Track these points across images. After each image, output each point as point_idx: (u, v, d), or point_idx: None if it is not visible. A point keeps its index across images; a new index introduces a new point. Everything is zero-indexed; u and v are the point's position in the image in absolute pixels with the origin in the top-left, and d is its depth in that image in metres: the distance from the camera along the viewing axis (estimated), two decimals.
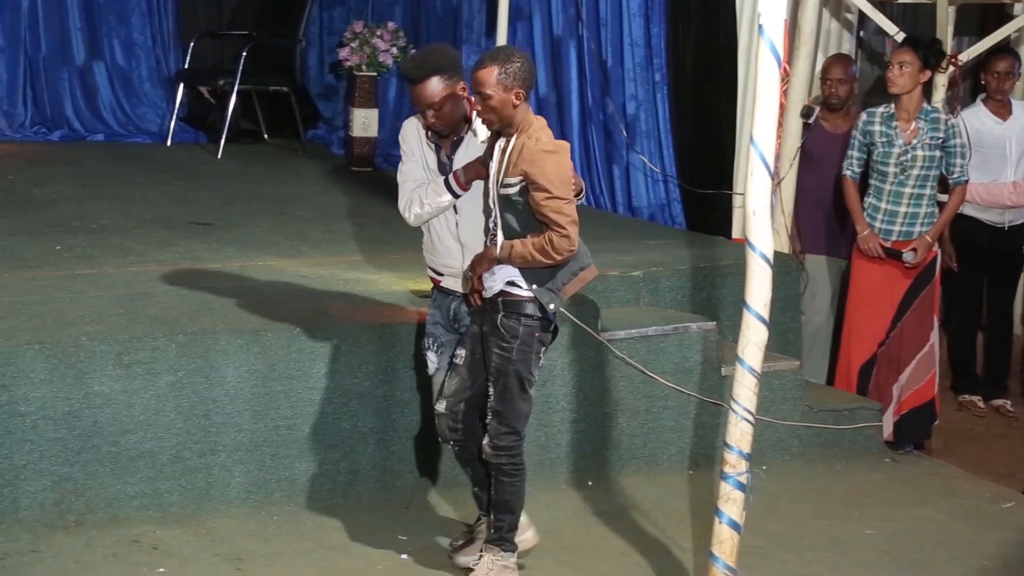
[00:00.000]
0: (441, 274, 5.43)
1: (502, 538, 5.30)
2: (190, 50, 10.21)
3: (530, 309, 5.11)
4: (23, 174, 8.89)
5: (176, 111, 10.08)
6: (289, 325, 6.05)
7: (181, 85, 10.11)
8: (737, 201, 7.98)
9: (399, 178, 5.40)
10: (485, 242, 5.17)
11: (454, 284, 5.36)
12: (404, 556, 5.64)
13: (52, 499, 5.56)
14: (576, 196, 5.15)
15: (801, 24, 7.84)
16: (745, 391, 5.03)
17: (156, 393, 5.75)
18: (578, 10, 8.77)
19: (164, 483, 5.77)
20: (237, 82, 9.77)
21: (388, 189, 9.07)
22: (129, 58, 10.26)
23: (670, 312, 7.11)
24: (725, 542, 5.13)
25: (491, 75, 4.96)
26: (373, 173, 9.66)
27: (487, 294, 5.12)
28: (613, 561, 5.75)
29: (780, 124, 7.13)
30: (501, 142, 5.07)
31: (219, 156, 9.70)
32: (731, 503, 5.10)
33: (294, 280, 6.75)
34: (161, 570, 5.31)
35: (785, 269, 7.42)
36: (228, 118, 9.78)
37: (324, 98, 10.68)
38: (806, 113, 7.96)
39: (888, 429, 7.40)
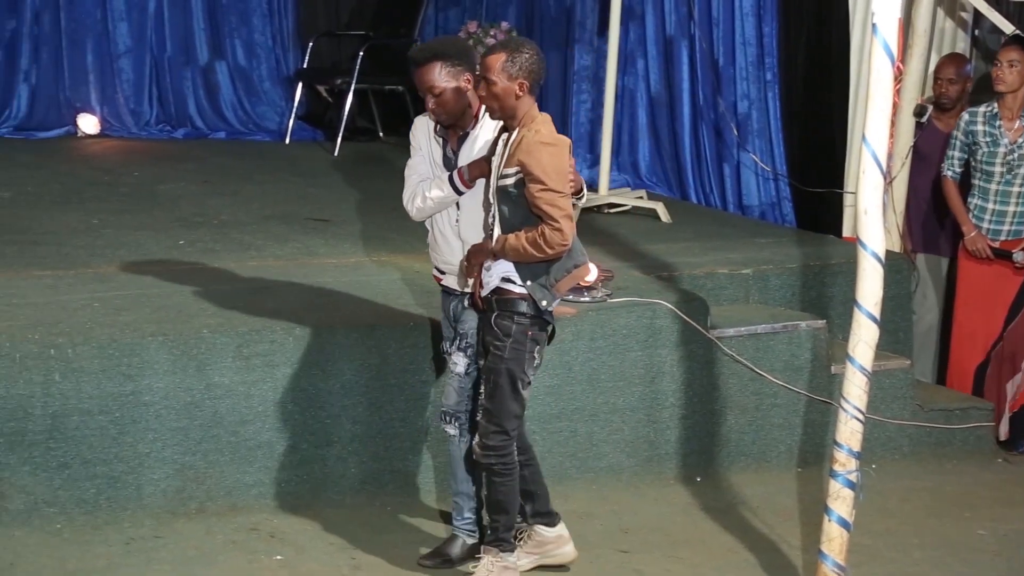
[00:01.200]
0: (443, 272, 5.32)
1: (499, 539, 5.15)
2: (309, 50, 10.30)
3: (523, 307, 4.98)
4: (148, 171, 9.03)
5: (295, 109, 10.18)
6: (402, 320, 6.08)
7: (300, 84, 10.21)
8: (848, 200, 7.89)
9: (406, 172, 5.33)
10: (486, 239, 5.07)
11: (455, 283, 5.25)
12: None
13: (175, 487, 5.64)
14: (576, 195, 5.05)
15: (915, 23, 7.72)
16: (855, 389, 4.97)
17: (274, 385, 5.81)
18: (690, 10, 8.72)
19: (281, 472, 5.83)
20: (354, 81, 9.84)
21: None
22: (250, 58, 10.38)
23: (779, 310, 7.05)
24: (834, 540, 5.07)
25: (497, 61, 4.87)
26: None
27: (484, 291, 5.01)
28: (721, 557, 5.71)
29: (893, 123, 7.02)
30: (504, 136, 4.98)
31: (335, 153, 9.78)
32: (840, 501, 5.04)
33: (407, 275, 6.79)
34: (278, 557, 5.37)
35: (896, 268, 7.32)
36: (345, 116, 9.85)
37: None
38: (919, 112, 7.84)
39: (1004, 429, 7.27)
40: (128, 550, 5.32)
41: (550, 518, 5.38)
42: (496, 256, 4.97)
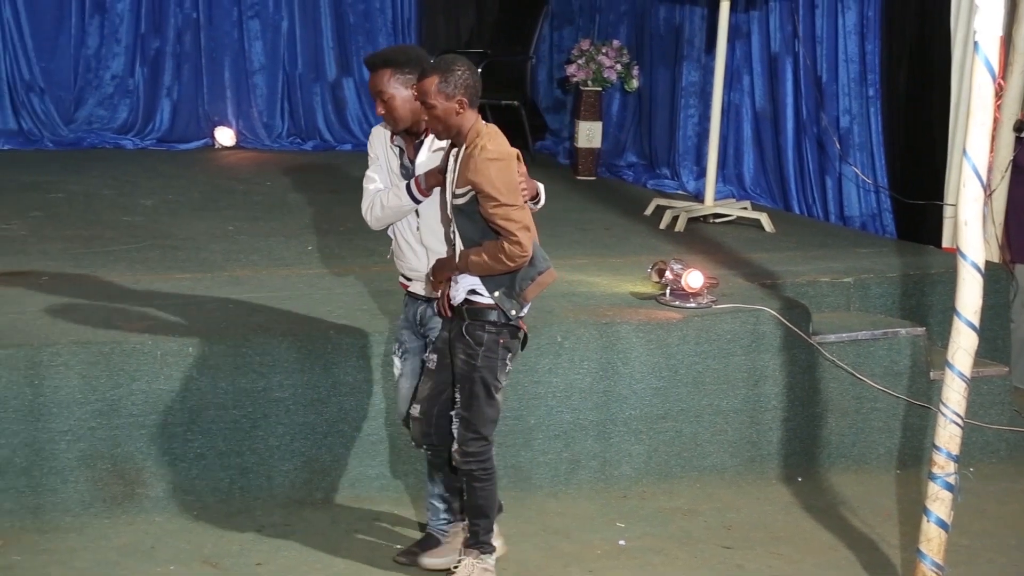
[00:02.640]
0: (409, 279, 5.17)
1: (480, 542, 5.02)
2: None
3: (494, 316, 4.83)
4: (280, 180, 9.14)
5: None
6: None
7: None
8: (948, 212, 7.77)
9: (364, 182, 5.16)
10: (449, 250, 4.95)
11: (421, 288, 5.11)
12: (622, 542, 5.63)
13: (302, 478, 5.70)
14: (532, 200, 4.92)
15: (1015, 40, 7.58)
16: (954, 395, 4.90)
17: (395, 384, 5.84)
18: (795, 28, 8.64)
19: (401, 466, 5.86)
20: None
21: (611, 197, 9.11)
22: None
23: (880, 317, 6.96)
24: (933, 540, 5.00)
25: (432, 84, 4.72)
26: (596, 182, 9.67)
27: (453, 303, 4.88)
28: (821, 554, 5.65)
29: (993, 138, 6.90)
30: (454, 152, 4.84)
31: None
32: (939, 502, 4.97)
33: None
34: (399, 546, 5.39)
35: (995, 278, 7.19)
36: None
37: (552, 111, 10.73)
38: (1018, 127, 7.69)
39: None
40: (259, 537, 5.39)
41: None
42: (460, 271, 4.84)
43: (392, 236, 5.16)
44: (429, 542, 5.27)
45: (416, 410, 5.06)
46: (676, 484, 6.18)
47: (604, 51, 9.58)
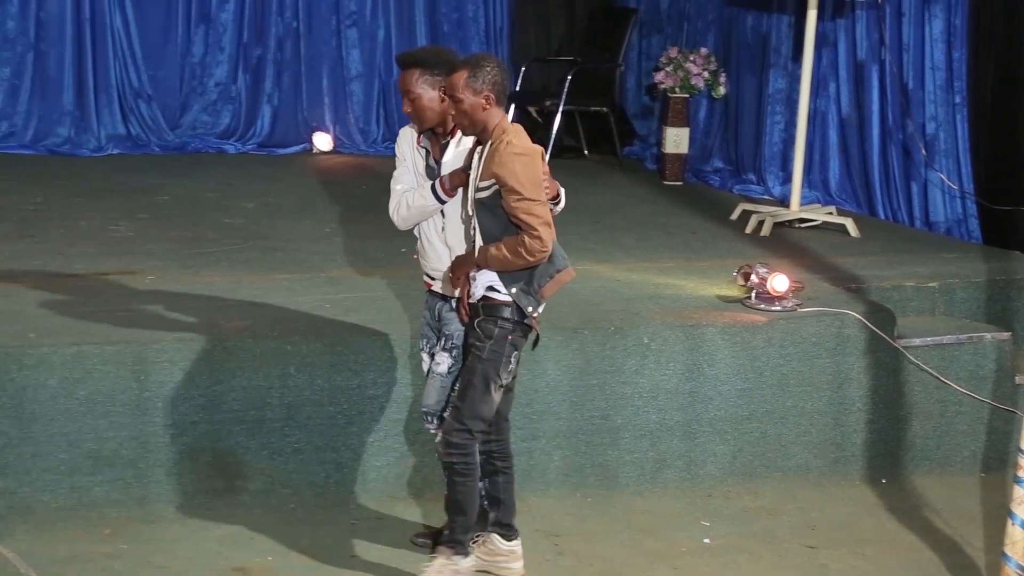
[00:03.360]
0: (433, 278, 5.10)
1: (455, 540, 4.89)
2: (521, 74, 10.38)
3: (507, 312, 4.73)
4: (374, 184, 9.17)
5: None
6: (604, 324, 6.08)
7: (512, 106, 10.28)
8: None
9: (391, 183, 5.12)
10: (468, 248, 4.88)
11: (444, 287, 5.02)
12: (707, 540, 5.59)
13: (395, 473, 5.73)
14: (552, 200, 4.84)
15: None
16: None
17: None
18: (882, 36, 8.53)
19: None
20: (562, 103, 9.88)
21: (697, 202, 9.05)
22: None
23: (965, 322, 6.84)
24: (1018, 543, 4.90)
25: (461, 78, 4.67)
26: (683, 187, 9.62)
27: (471, 300, 4.80)
28: (905, 555, 5.57)
29: None
30: (479, 149, 4.78)
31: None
32: None
33: (609, 283, 6.78)
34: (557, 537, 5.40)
35: None
36: (553, 135, 9.89)
37: (640, 118, 10.69)
38: None
39: None
40: (354, 529, 5.42)
41: (509, 531, 5.08)
42: (479, 267, 4.77)
43: (417, 235, 5.12)
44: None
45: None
46: (760, 484, 6.13)
47: (692, 59, 9.53)
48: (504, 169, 4.61)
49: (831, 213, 8.44)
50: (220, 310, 5.96)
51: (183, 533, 5.29)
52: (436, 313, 5.07)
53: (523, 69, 10.37)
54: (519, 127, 4.76)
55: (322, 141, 10.21)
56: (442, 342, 5.04)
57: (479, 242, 4.76)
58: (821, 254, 7.61)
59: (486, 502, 5.08)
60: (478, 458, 4.86)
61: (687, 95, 9.65)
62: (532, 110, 10.43)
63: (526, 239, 4.62)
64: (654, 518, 5.79)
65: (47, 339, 5.41)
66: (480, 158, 4.73)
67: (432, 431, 5.10)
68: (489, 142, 4.70)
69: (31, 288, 6.13)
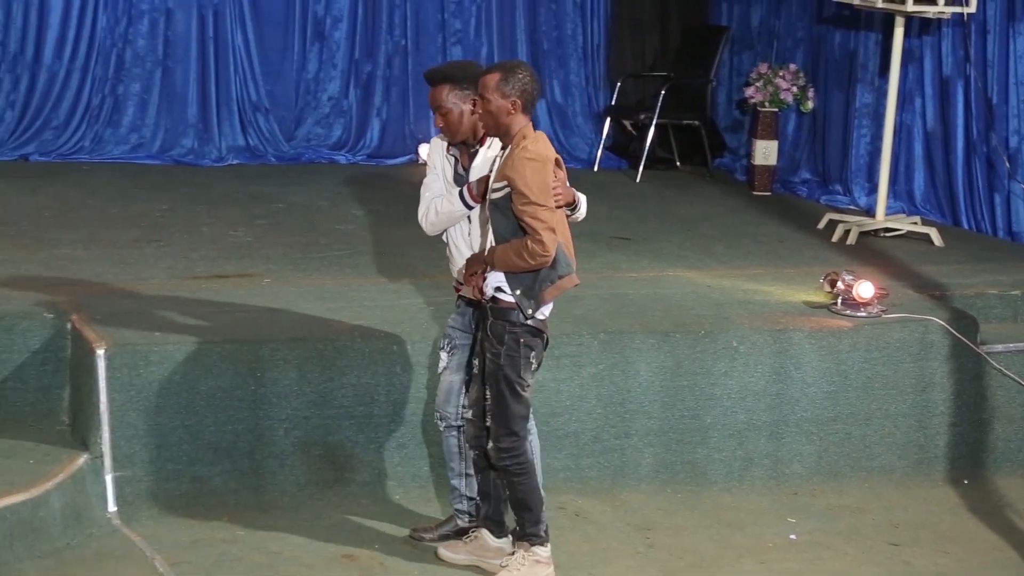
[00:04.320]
0: (461, 283, 5.00)
1: (527, 534, 4.85)
2: (617, 89, 10.35)
3: (514, 316, 4.70)
4: None
5: (603, 141, 10.24)
6: (695, 328, 6.04)
7: (608, 119, 10.27)
8: None
9: (421, 189, 5.08)
10: (482, 246, 4.85)
11: (471, 292, 4.89)
12: (792, 537, 5.54)
13: None
14: (568, 207, 4.77)
15: None
16: None
17: (580, 383, 5.85)
18: (967, 53, 8.39)
19: (585, 460, 5.86)
20: (656, 116, 9.84)
21: (785, 212, 8.96)
22: (566, 96, 10.49)
23: None
24: None
25: (493, 80, 4.63)
26: (771, 197, 9.53)
27: (484, 298, 4.75)
28: (987, 554, 5.47)
29: None
30: (501, 153, 4.73)
31: (638, 180, 9.79)
32: None
33: (699, 289, 6.74)
34: (585, 531, 5.39)
35: None
36: (647, 148, 9.86)
37: (730, 131, 10.61)
38: None
39: None
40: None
41: (500, 528, 5.03)
42: (489, 266, 4.72)
43: (445, 241, 5.09)
44: (450, 522, 5.19)
45: (469, 413, 4.95)
46: (845, 483, 6.05)
47: (781, 74, 9.45)
48: (515, 172, 4.58)
49: (916, 223, 8.32)
50: (331, 311, 6.02)
51: (295, 521, 5.34)
52: (468, 321, 5.00)
53: (619, 84, 10.34)
54: (541, 134, 4.74)
55: (427, 152, 10.24)
56: (448, 342, 4.98)
57: (491, 241, 4.74)
58: (906, 262, 7.50)
59: (478, 496, 5.04)
60: (531, 456, 4.84)
61: (776, 109, 9.57)
62: (627, 123, 10.40)
63: (529, 242, 4.59)
64: (741, 514, 5.74)
65: (172, 337, 5.50)
66: (500, 160, 4.72)
67: (441, 428, 5.08)
68: (509, 147, 4.68)
69: (157, 289, 6.23)
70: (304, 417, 5.53)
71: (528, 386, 4.79)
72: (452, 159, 5.01)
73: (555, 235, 4.62)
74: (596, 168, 10.18)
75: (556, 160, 4.74)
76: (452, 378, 5.04)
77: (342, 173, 9.62)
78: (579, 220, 4.93)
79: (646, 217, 8.66)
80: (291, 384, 5.51)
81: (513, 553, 4.92)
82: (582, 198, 4.92)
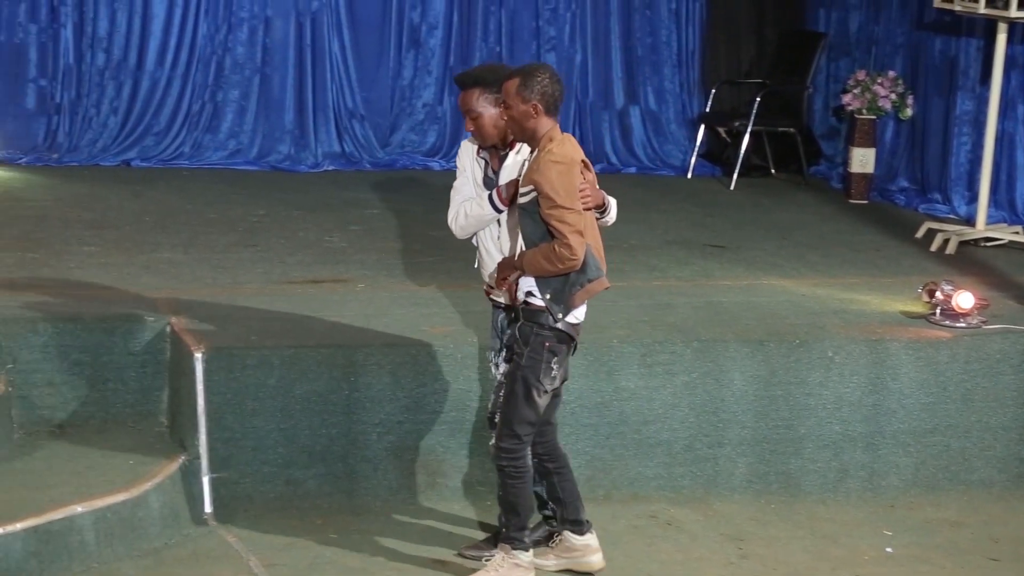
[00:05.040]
0: (492, 287, 4.97)
1: (510, 537, 4.81)
2: (711, 96, 10.29)
3: (543, 319, 4.65)
4: None
5: (697, 148, 10.18)
6: (789, 337, 5.98)
7: (702, 126, 10.21)
8: None
9: (452, 193, 5.02)
10: (512, 251, 4.78)
11: (501, 297, 4.89)
12: (889, 550, 5.46)
13: (585, 475, 5.71)
14: (598, 209, 4.70)
15: None
16: None
17: (673, 391, 5.82)
18: None
19: (677, 468, 5.82)
20: (751, 123, 9.76)
21: (882, 220, 8.84)
22: (660, 103, 10.45)
23: None
24: None
25: (513, 86, 4.58)
26: (868, 205, 9.40)
27: (516, 302, 4.71)
28: None
29: None
30: (529, 157, 4.67)
31: (732, 187, 9.72)
32: None
33: (794, 298, 6.67)
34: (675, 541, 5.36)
35: None
36: (741, 155, 9.78)
37: (826, 138, 10.49)
38: None
39: None
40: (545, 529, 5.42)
41: (579, 526, 4.98)
42: (520, 270, 4.68)
43: (476, 245, 5.06)
44: (537, 532, 5.13)
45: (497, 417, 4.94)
46: (943, 496, 5.95)
47: (879, 81, 9.33)
48: (541, 176, 4.55)
49: (1017, 232, 8.16)
50: (424, 317, 6.05)
51: (387, 526, 5.38)
52: (498, 324, 4.99)
53: (713, 91, 10.28)
54: (568, 137, 4.70)
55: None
56: (504, 353, 4.96)
57: (521, 246, 4.71)
58: (1007, 272, 7.36)
59: (550, 503, 5.01)
60: (530, 461, 4.80)
61: (874, 116, 9.45)
62: (721, 130, 10.33)
63: (556, 246, 4.56)
64: (836, 526, 5.67)
65: (268, 341, 5.57)
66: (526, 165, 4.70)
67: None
68: (536, 150, 4.65)
69: (254, 294, 6.31)
70: (397, 422, 5.57)
71: (545, 392, 4.73)
72: (482, 162, 5.00)
73: (583, 238, 4.59)
74: (690, 175, 10.13)
75: (584, 162, 4.70)
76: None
77: (436, 179, 9.66)
78: (609, 224, 4.90)
79: (740, 225, 8.59)
80: (384, 389, 5.55)
81: (494, 553, 4.90)
82: (612, 201, 4.88)
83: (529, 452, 4.80)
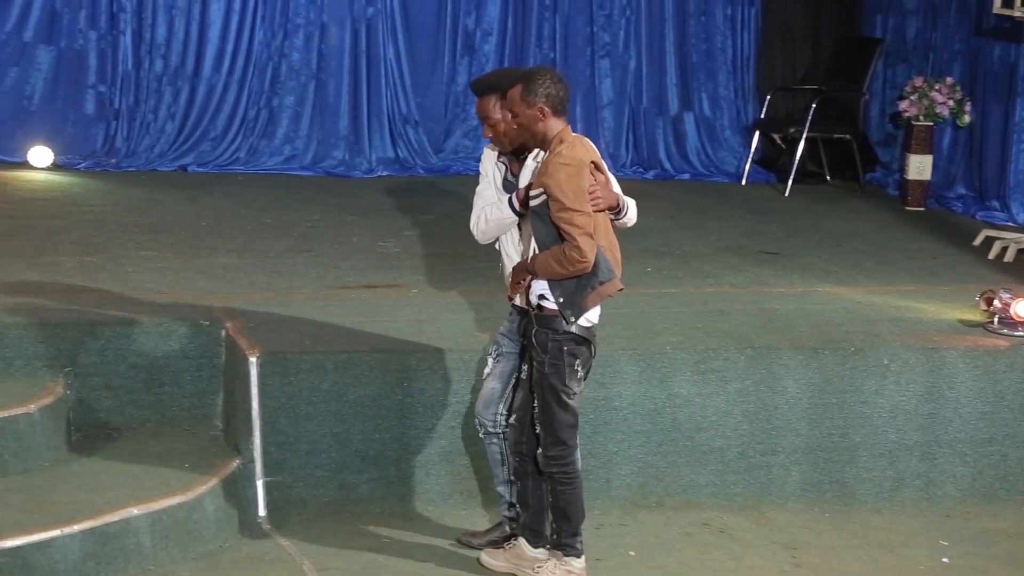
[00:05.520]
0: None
1: (562, 544, 4.79)
2: (766, 102, 10.25)
3: (558, 323, 4.61)
4: None
5: (751, 155, 10.15)
6: (844, 345, 5.94)
7: (757, 132, 10.17)
8: None
9: (474, 198, 4.99)
10: (525, 254, 4.75)
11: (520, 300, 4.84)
12: (945, 560, 5.40)
13: (638, 482, 5.71)
14: (612, 211, 4.63)
15: None
16: None
17: (726, 398, 5.79)
18: None
19: (731, 476, 5.80)
20: (806, 130, 9.72)
21: (939, 227, 8.76)
22: (714, 109, 10.42)
23: None
24: None
25: (516, 93, 4.57)
26: (925, 212, 9.32)
27: (531, 307, 4.67)
28: None
29: None
30: (542, 159, 4.63)
31: (786, 194, 9.67)
32: None
33: (849, 305, 6.62)
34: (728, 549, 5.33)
35: None
36: (796, 161, 9.74)
37: (883, 145, 10.41)
38: None
39: None
40: (598, 534, 5.42)
41: (537, 538, 4.93)
42: (532, 274, 4.65)
43: (498, 249, 5.04)
44: (494, 533, 5.15)
45: (512, 419, 4.91)
46: (1001, 507, 5.88)
47: (937, 87, 9.24)
48: (550, 179, 4.54)
49: None
50: (476, 322, 6.06)
51: (439, 530, 5.38)
52: (519, 328, 4.92)
53: (768, 97, 10.23)
54: (579, 138, 4.67)
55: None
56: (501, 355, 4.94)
57: (533, 249, 4.69)
58: None
59: (517, 504, 4.99)
60: (579, 465, 4.79)
61: (931, 123, 9.36)
62: (776, 137, 10.29)
63: (566, 249, 4.53)
64: (892, 535, 5.62)
65: (321, 345, 5.60)
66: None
67: (481, 435, 5.05)
68: (548, 152, 4.63)
69: (308, 299, 6.35)
70: (449, 427, 5.58)
71: (575, 394, 4.72)
72: (502, 166, 4.98)
73: (593, 240, 4.55)
74: (744, 182, 10.09)
75: (595, 163, 4.66)
76: (493, 385, 5.01)
77: None
78: (628, 225, 4.85)
79: (795, 231, 8.54)
80: (437, 394, 5.56)
81: (548, 560, 4.87)
82: (630, 202, 4.83)
83: (578, 456, 4.80)
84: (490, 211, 4.92)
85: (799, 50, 10.66)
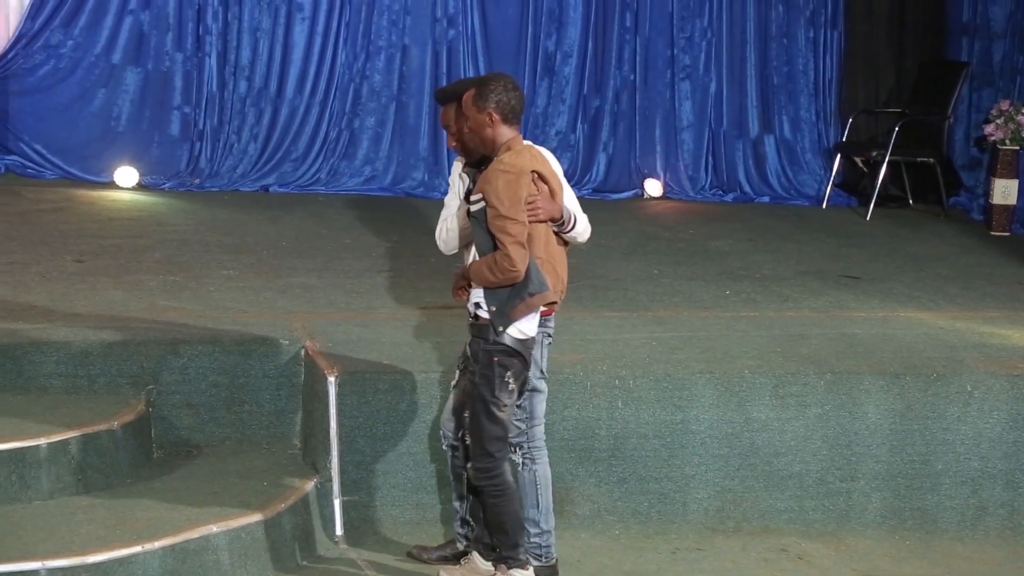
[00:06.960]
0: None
1: (504, 557, 4.69)
2: (848, 125, 10.17)
3: (489, 333, 4.53)
4: (701, 229, 9.17)
5: (832, 178, 10.07)
6: (926, 371, 5.86)
7: (838, 155, 10.10)
8: None
9: (443, 210, 4.95)
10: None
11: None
12: None
13: (715, 506, 5.67)
14: (555, 223, 4.55)
15: None
16: None
17: (805, 423, 5.74)
18: None
19: (809, 501, 5.74)
20: (888, 153, 9.63)
21: None
22: (795, 132, 10.36)
23: None
24: None
25: (468, 98, 4.52)
26: (1010, 237, 9.19)
27: (470, 317, 4.61)
28: None
29: None
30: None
31: (868, 218, 9.58)
32: None
33: (932, 331, 6.53)
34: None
35: None
36: (878, 185, 9.65)
37: (967, 169, 10.28)
38: None
39: None
40: (674, 559, 5.39)
41: (490, 551, 4.84)
42: (469, 281, 4.58)
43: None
44: (446, 549, 5.12)
45: (461, 433, 4.88)
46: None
47: None
48: (488, 185, 4.51)
49: None
50: (554, 344, 6.04)
51: None
52: None
53: (850, 120, 10.15)
54: (531, 147, 4.63)
55: (653, 187, 10.26)
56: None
57: (474, 256, 4.65)
58: None
59: (470, 518, 4.94)
60: (509, 477, 4.70)
61: (1017, 147, 9.24)
62: (858, 160, 10.20)
63: (497, 257, 4.47)
64: (975, 564, 5.52)
65: (399, 366, 5.62)
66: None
67: (444, 447, 5.03)
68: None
69: (387, 319, 6.39)
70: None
71: (505, 406, 4.62)
72: (466, 177, 4.95)
73: (525, 250, 4.49)
74: (825, 205, 10.02)
75: (539, 173, 4.59)
76: (457, 396, 4.97)
77: None
78: (579, 240, 4.80)
79: (876, 256, 8.45)
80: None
81: (493, 575, 4.81)
82: (581, 217, 4.77)
83: (507, 468, 4.71)
84: (451, 221, 4.93)
85: (882, 73, 10.58)
